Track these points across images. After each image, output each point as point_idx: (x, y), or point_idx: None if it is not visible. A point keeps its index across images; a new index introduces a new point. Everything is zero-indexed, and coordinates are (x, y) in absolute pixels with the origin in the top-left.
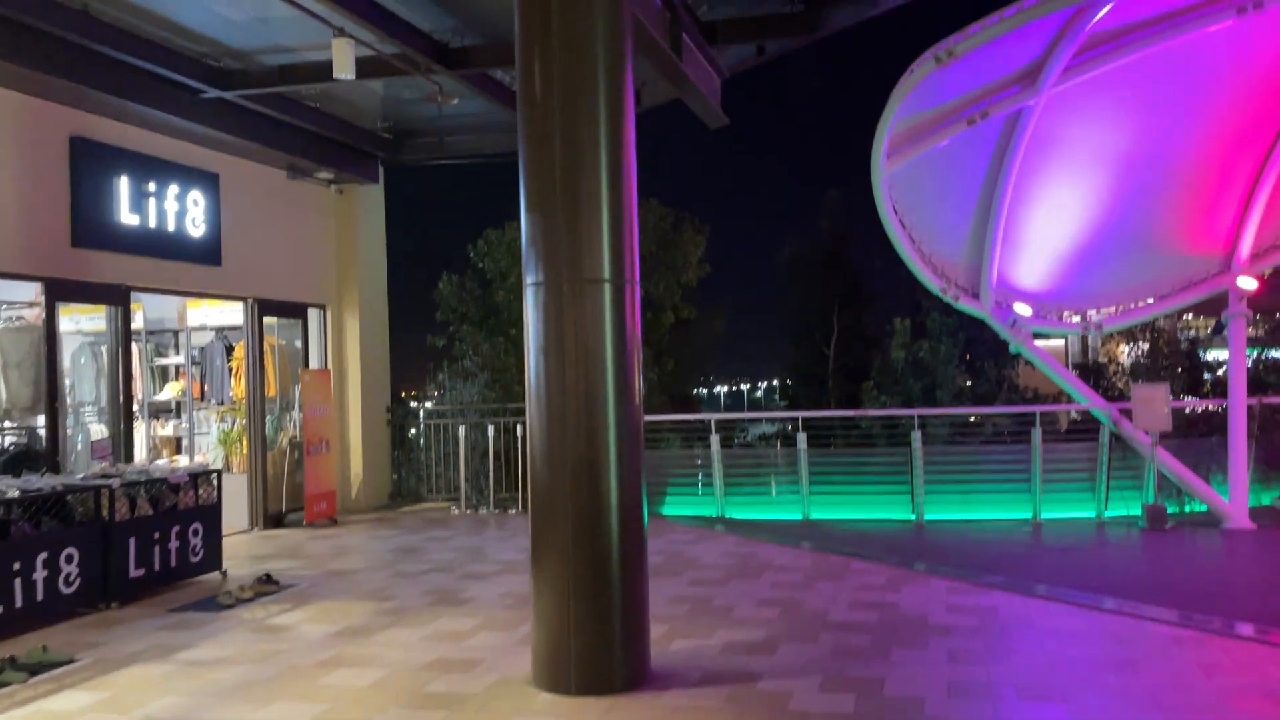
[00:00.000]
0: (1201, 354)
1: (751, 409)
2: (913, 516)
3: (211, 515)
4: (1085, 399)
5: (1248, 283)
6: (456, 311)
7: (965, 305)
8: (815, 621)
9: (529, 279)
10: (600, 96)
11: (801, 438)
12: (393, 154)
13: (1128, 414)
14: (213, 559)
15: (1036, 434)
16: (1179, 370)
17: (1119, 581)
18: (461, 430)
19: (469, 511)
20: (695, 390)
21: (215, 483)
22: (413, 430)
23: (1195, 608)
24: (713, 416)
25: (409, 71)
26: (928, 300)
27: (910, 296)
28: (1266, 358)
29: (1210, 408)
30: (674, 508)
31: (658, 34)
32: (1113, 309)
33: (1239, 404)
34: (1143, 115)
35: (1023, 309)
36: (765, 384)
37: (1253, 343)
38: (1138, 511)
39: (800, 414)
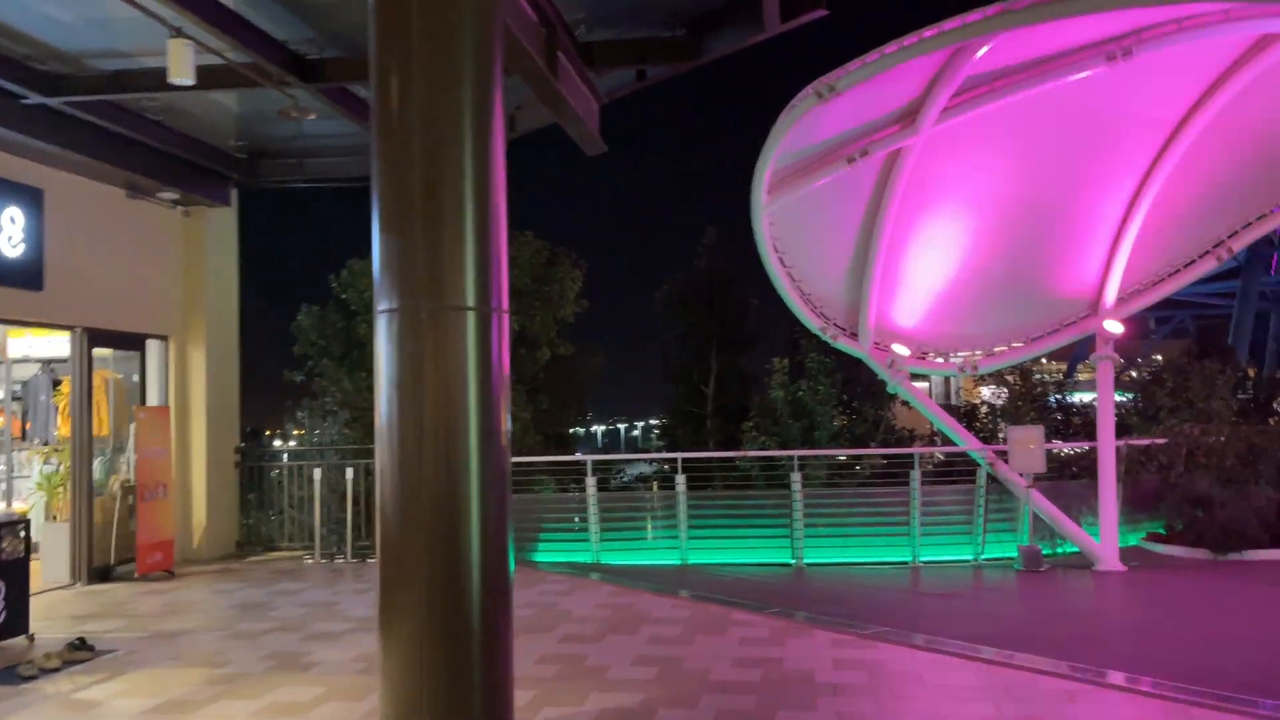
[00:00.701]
0: (1060, 398)
1: (630, 449)
2: (792, 560)
3: (18, 571)
4: (962, 441)
5: (1114, 326)
6: (316, 345)
7: (844, 345)
8: (696, 682)
9: (381, 305)
10: (466, 107)
11: (680, 479)
12: (247, 175)
13: (1003, 456)
14: (18, 621)
15: (915, 476)
16: (1033, 414)
17: (1004, 630)
18: (317, 472)
19: (324, 561)
20: (572, 430)
21: (23, 534)
22: (275, 471)
23: (1081, 656)
24: (589, 457)
25: (261, 83)
26: (806, 339)
27: (789, 335)
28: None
29: (1074, 449)
30: (547, 554)
31: (533, 50)
32: (986, 351)
33: (1108, 446)
34: (1017, 159)
35: (901, 349)
36: (643, 424)
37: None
38: (1014, 553)
39: (679, 455)
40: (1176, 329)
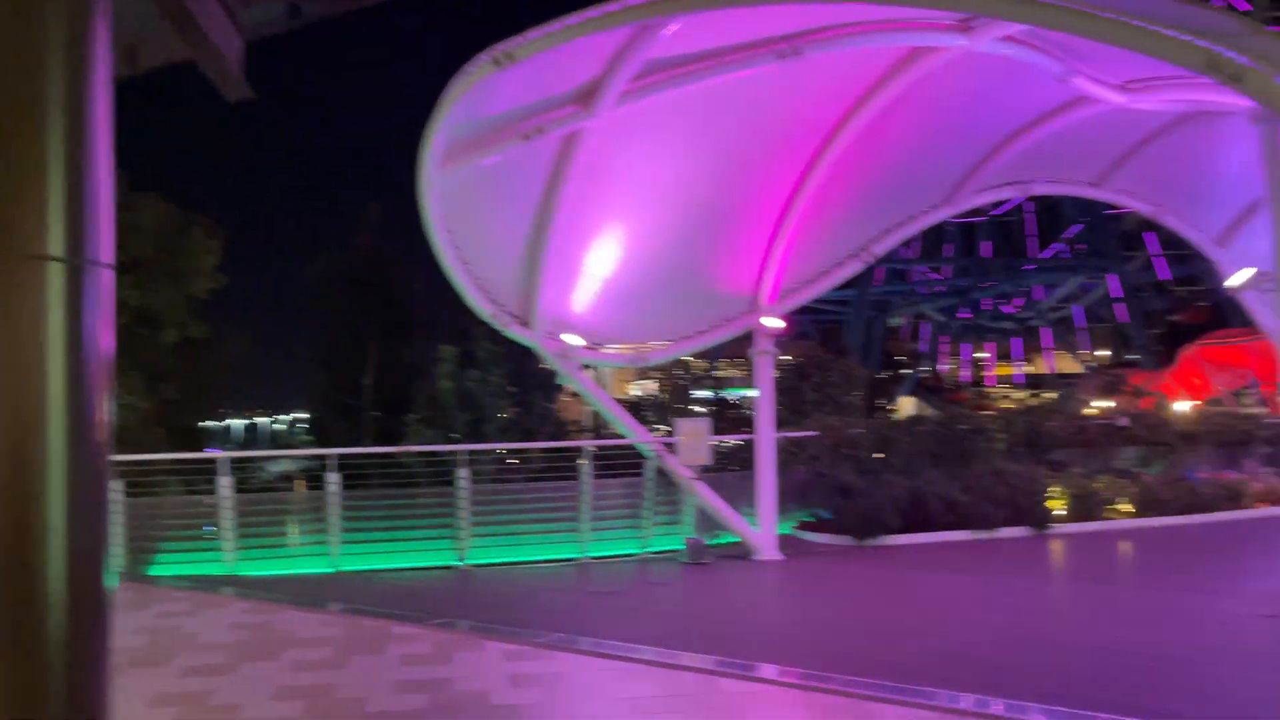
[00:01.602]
0: (716, 392)
1: (273, 445)
2: (459, 562)
3: None
4: (633, 433)
5: (773, 322)
6: None
7: (515, 333)
8: (352, 716)
9: None
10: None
11: (333, 477)
12: None
13: (671, 448)
14: None
15: (585, 469)
16: (680, 407)
17: (679, 628)
18: None
19: None
20: (204, 423)
21: None
22: None
23: (759, 653)
24: (223, 454)
25: None
26: (477, 327)
27: (457, 323)
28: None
29: (733, 441)
30: (169, 567)
31: None
32: (657, 342)
33: (767, 438)
34: (692, 152)
35: (573, 339)
36: (291, 417)
37: (738, 384)
38: (680, 546)
39: (334, 451)
40: (800, 332)
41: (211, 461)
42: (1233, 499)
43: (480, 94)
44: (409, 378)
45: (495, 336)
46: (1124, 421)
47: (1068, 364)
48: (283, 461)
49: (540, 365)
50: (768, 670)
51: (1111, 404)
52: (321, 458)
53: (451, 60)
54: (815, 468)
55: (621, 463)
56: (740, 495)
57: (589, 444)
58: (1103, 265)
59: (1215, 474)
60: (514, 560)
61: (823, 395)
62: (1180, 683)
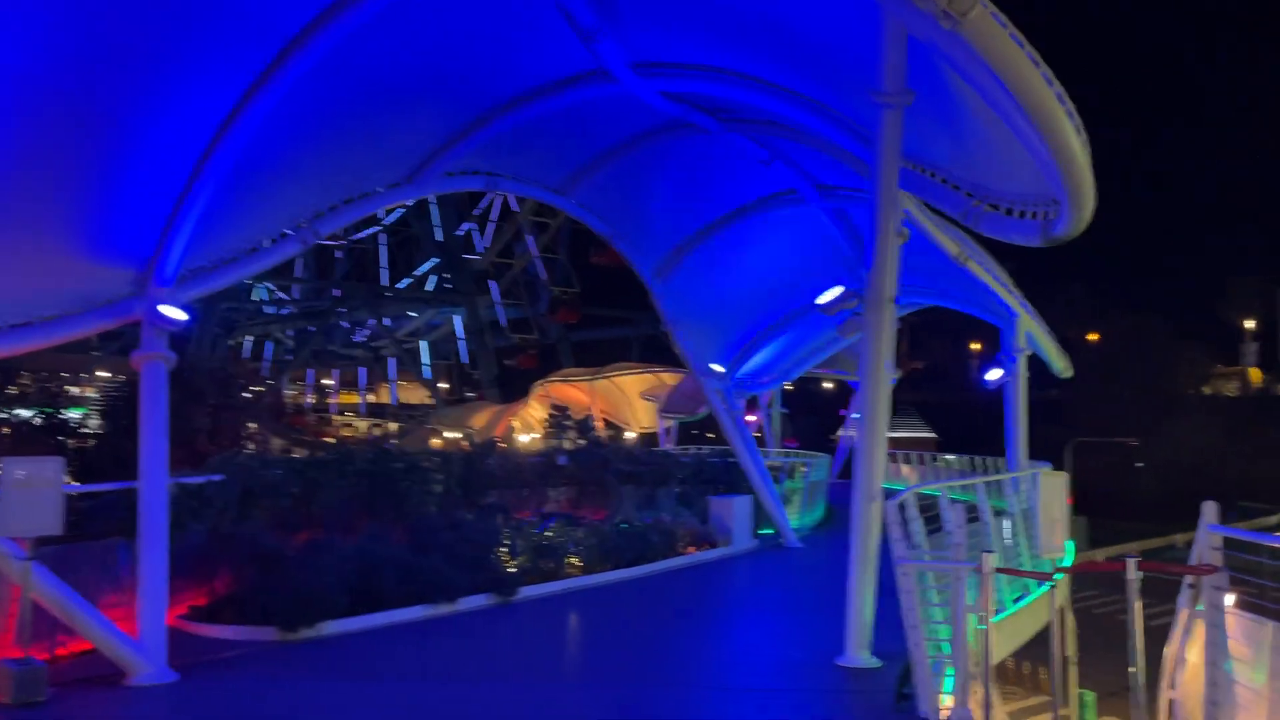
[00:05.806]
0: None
1: None
2: None
3: None
4: None
5: (175, 313)
6: None
7: None
8: None
9: None
10: None
11: None
12: None
13: None
14: None
15: None
16: None
17: None
18: None
19: None
20: None
21: None
22: None
23: None
24: None
25: None
26: None
27: None
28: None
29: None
30: None
31: None
32: None
33: (156, 488)
34: (55, 14)
35: None
36: None
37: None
38: None
39: None
40: (122, 346)
41: None
42: (671, 545)
43: None
44: None
45: None
46: (563, 460)
47: (412, 395)
48: None
49: None
50: None
51: (458, 434)
52: None
53: None
54: (219, 526)
55: None
56: (99, 578)
57: None
58: (456, 302)
59: (656, 519)
60: None
61: (218, 424)
62: None
